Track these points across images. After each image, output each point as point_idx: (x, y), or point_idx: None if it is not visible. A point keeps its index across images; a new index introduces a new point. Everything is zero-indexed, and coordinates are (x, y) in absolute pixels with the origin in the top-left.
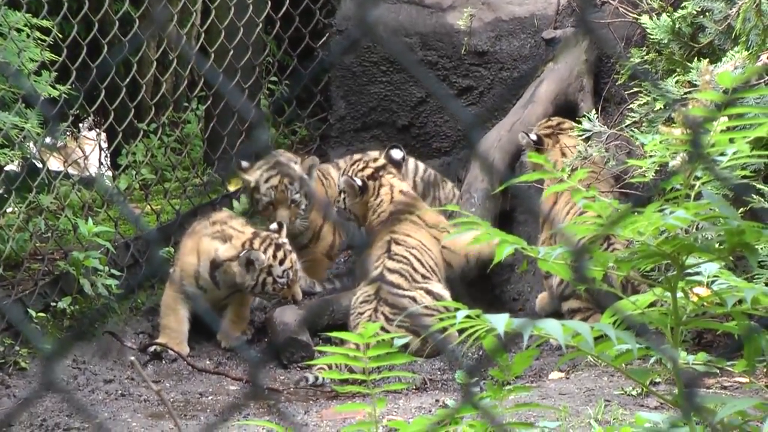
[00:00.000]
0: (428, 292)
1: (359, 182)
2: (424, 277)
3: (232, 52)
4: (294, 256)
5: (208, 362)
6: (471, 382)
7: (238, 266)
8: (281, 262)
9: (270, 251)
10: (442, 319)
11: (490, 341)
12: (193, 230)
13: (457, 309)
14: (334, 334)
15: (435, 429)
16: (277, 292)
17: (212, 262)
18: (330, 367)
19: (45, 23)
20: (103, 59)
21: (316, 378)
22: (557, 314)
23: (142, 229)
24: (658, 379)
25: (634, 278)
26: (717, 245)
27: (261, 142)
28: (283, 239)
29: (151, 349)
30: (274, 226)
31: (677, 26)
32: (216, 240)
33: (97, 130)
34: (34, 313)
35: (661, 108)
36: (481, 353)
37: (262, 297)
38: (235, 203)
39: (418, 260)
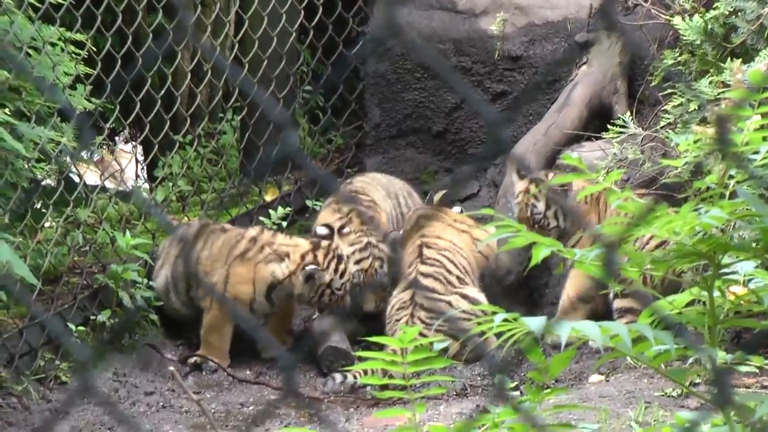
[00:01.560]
0: (464, 296)
1: (322, 229)
2: (459, 278)
3: (266, 62)
4: (352, 267)
5: (248, 372)
6: (507, 385)
7: (298, 279)
8: (342, 275)
9: (332, 265)
10: (480, 323)
11: (528, 344)
12: (243, 255)
13: (494, 312)
14: (374, 339)
15: None
16: (332, 302)
17: (269, 286)
18: (366, 373)
19: (79, 37)
20: (138, 71)
21: (355, 380)
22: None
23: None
24: (697, 380)
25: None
26: (752, 244)
27: (289, 146)
28: (341, 249)
29: (192, 360)
30: (322, 230)
31: (709, 27)
32: (271, 263)
33: (133, 142)
34: (73, 327)
35: (695, 109)
36: (519, 357)
37: (315, 306)
38: (272, 213)
39: (451, 261)
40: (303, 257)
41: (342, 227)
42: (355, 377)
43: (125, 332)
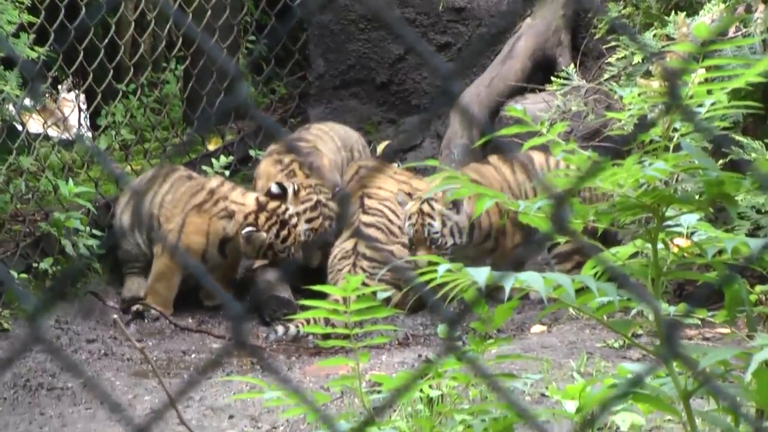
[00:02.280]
0: (405, 246)
1: (275, 188)
2: (400, 228)
3: (209, 12)
4: (299, 229)
5: (190, 321)
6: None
7: (241, 239)
8: (284, 240)
9: (274, 230)
10: (423, 273)
11: (472, 294)
12: (200, 206)
13: (437, 263)
14: (317, 287)
15: (418, 383)
16: (278, 259)
17: (221, 240)
18: (309, 322)
19: None
20: (81, 20)
21: (298, 330)
22: None
23: (124, 186)
24: (639, 331)
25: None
26: (696, 196)
27: (240, 98)
28: (290, 211)
29: (135, 308)
30: (275, 188)
31: None
32: (223, 219)
33: (76, 91)
34: (15, 275)
35: (639, 62)
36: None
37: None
38: (214, 161)
39: (393, 212)
40: (246, 218)
41: (297, 191)
42: (297, 327)
43: (68, 280)
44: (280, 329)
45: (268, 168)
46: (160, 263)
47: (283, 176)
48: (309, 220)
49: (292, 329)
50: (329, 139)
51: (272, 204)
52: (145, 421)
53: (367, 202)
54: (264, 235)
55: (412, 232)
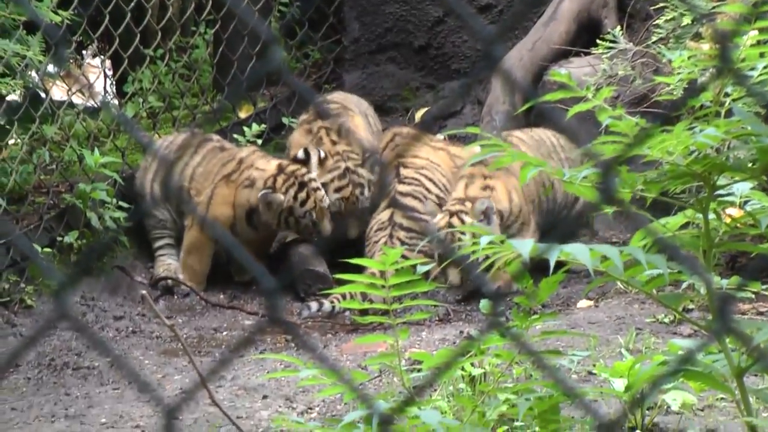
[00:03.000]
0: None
1: (301, 153)
2: (438, 197)
3: None
4: (320, 193)
5: (221, 297)
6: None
7: (260, 205)
8: (303, 203)
9: (291, 192)
10: (462, 246)
11: (515, 267)
12: (228, 176)
13: (479, 234)
14: (354, 260)
15: (459, 360)
16: (302, 229)
17: (248, 212)
18: (345, 297)
19: None
20: None
21: (333, 306)
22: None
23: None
24: (690, 306)
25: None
26: (749, 164)
27: (274, 63)
28: (311, 173)
29: (163, 283)
30: (300, 154)
31: None
32: (246, 189)
33: (102, 56)
34: (39, 249)
35: (688, 23)
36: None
37: (291, 232)
38: (246, 130)
39: (430, 180)
40: (265, 183)
41: (324, 158)
42: (332, 303)
43: (95, 255)
44: (314, 305)
45: (300, 138)
46: (191, 236)
47: (311, 145)
48: (338, 189)
49: (327, 305)
50: (351, 104)
51: (291, 167)
52: (175, 401)
53: (403, 171)
54: (281, 197)
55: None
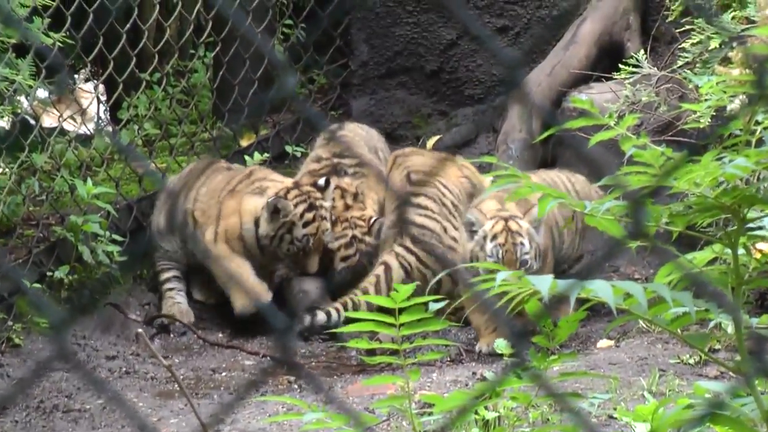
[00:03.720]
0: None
1: (322, 181)
2: (452, 206)
3: None
4: (325, 225)
5: (220, 336)
6: (516, 351)
7: (265, 212)
8: (305, 224)
9: (300, 208)
10: (474, 283)
11: (534, 306)
12: (233, 188)
13: (495, 270)
14: (363, 297)
15: (474, 403)
16: (291, 254)
17: (256, 222)
18: (346, 307)
19: None
20: (101, 3)
21: (329, 317)
22: None
23: (155, 184)
24: (717, 346)
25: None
26: None
27: (287, 89)
28: (324, 202)
29: (159, 321)
30: (321, 182)
31: None
32: (254, 196)
33: (95, 81)
34: (28, 284)
35: (716, 47)
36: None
37: (278, 258)
38: (248, 159)
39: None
40: (277, 192)
41: (334, 222)
42: (328, 313)
43: (94, 293)
44: (307, 318)
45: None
46: (214, 250)
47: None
48: (345, 258)
49: (321, 316)
50: (360, 141)
51: (308, 187)
52: None
53: (414, 177)
54: (291, 206)
55: (500, 252)
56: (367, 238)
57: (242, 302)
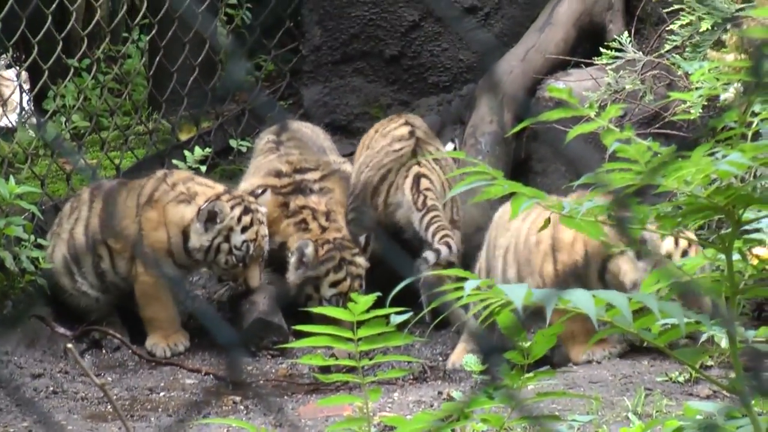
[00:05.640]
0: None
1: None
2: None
3: None
4: (264, 230)
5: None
6: (488, 369)
7: (197, 223)
8: (244, 230)
9: (237, 211)
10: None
11: (506, 318)
12: (151, 198)
13: (464, 278)
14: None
15: (440, 426)
16: (229, 267)
17: (184, 231)
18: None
19: None
20: None
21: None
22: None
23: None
24: (710, 362)
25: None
26: None
27: (236, 78)
28: (260, 207)
29: (90, 335)
30: (259, 191)
31: None
32: (181, 204)
33: (17, 67)
34: None
35: (707, 29)
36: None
37: (215, 272)
38: (188, 154)
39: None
40: (208, 198)
41: (316, 252)
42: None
43: (8, 300)
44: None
45: (272, 211)
46: (140, 284)
47: (293, 227)
48: (334, 284)
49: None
50: (307, 142)
51: (240, 192)
52: None
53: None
54: (228, 208)
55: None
56: (358, 259)
57: (158, 344)
